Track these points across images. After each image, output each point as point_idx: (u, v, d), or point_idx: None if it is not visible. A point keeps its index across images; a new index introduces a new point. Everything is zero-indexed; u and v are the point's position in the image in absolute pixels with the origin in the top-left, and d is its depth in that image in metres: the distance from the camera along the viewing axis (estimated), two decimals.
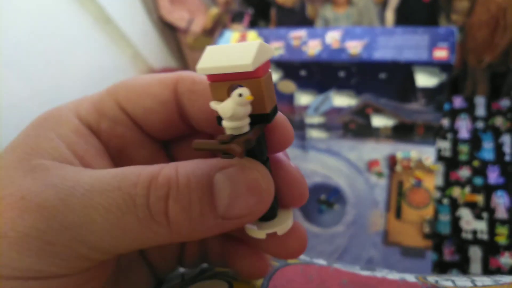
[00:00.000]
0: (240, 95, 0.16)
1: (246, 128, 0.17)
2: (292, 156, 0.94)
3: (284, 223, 0.20)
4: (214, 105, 0.17)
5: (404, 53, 0.73)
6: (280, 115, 0.20)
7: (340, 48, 0.77)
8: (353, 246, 0.85)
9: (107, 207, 0.16)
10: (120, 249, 0.18)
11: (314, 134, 0.97)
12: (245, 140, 0.17)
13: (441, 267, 0.81)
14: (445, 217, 0.86)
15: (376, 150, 0.92)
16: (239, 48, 0.17)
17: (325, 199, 0.90)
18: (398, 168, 0.89)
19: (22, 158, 0.18)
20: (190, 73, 0.22)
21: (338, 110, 0.89)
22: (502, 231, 0.82)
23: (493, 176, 0.87)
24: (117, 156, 0.22)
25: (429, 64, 0.72)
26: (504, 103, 0.94)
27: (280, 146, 0.20)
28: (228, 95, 0.17)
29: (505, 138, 0.90)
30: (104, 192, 0.17)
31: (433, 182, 0.87)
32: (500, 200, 0.84)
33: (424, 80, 0.74)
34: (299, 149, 0.95)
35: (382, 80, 0.77)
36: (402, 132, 0.90)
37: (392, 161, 0.90)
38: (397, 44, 0.74)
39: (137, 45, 1.06)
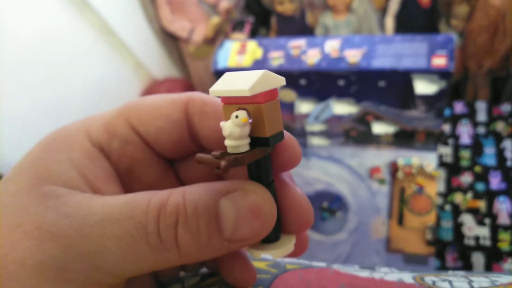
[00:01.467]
0: (236, 116, 0.18)
1: (245, 148, 0.18)
2: None
3: (283, 247, 0.21)
4: (221, 124, 0.18)
5: (403, 61, 0.73)
6: (288, 136, 0.20)
7: (339, 57, 0.78)
8: (356, 254, 0.86)
9: (120, 236, 0.17)
10: (132, 273, 0.18)
11: (315, 141, 0.98)
12: (234, 159, 0.17)
13: None
14: (447, 224, 0.86)
15: (378, 157, 0.92)
16: (246, 75, 0.18)
17: (327, 206, 0.90)
18: (400, 174, 0.89)
19: (33, 184, 0.18)
20: (200, 95, 0.22)
21: (339, 118, 0.89)
22: (505, 237, 0.82)
23: (495, 181, 0.87)
24: (126, 176, 0.22)
25: (428, 72, 0.72)
26: (505, 107, 0.94)
27: (287, 166, 0.21)
28: None
29: (507, 143, 0.90)
30: (116, 221, 0.17)
31: (435, 188, 0.87)
32: (502, 205, 0.84)
33: (423, 87, 0.74)
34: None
35: (381, 88, 0.78)
36: (403, 138, 0.90)
37: (393, 168, 0.90)
38: (396, 52, 0.75)
39: (139, 55, 1.07)
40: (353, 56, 0.77)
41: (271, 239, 0.21)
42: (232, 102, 0.19)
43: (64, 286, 0.17)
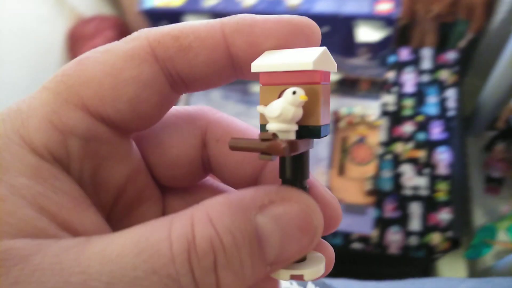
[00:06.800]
0: (294, 93, 0.15)
1: (293, 136, 0.16)
2: (235, 113, 0.90)
3: (315, 267, 0.17)
4: (261, 108, 0.16)
5: (346, 5, 0.68)
6: (328, 193, 0.18)
7: None
8: None
9: None
10: None
11: (258, 89, 0.92)
12: (291, 141, 0.14)
13: (382, 224, 0.81)
14: (387, 174, 0.85)
15: None
16: (298, 52, 0.16)
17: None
18: (342, 124, 0.86)
19: None
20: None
21: None
22: (442, 187, 0.82)
23: (436, 131, 0.86)
24: (90, 183, 0.17)
25: (372, 18, 0.67)
26: (451, 55, 0.92)
27: (325, 228, 0.17)
28: None
29: (450, 93, 0.88)
30: (136, 281, 0.13)
31: (376, 138, 0.85)
32: (442, 156, 0.84)
33: (367, 34, 0.70)
34: (243, 105, 0.91)
35: (323, 34, 0.72)
36: (346, 87, 0.87)
37: (335, 117, 0.87)
38: None
39: None
40: None
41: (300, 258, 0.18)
42: (276, 83, 0.16)
43: None
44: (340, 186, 0.84)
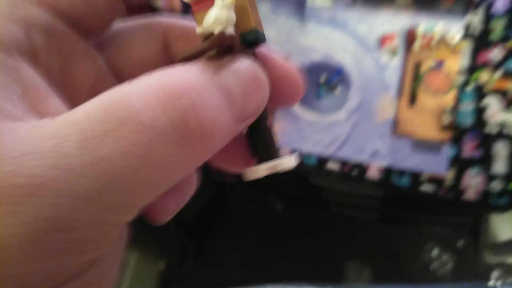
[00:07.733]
0: None
1: None
2: (288, 29, 0.77)
3: (286, 157, 0.19)
4: (199, 29, 0.17)
5: None
6: (289, 63, 0.19)
7: None
8: (356, 136, 0.73)
9: (123, 150, 0.13)
10: (152, 196, 0.14)
11: (316, 0, 0.79)
12: (228, 35, 0.17)
13: (459, 164, 0.68)
14: (468, 106, 0.72)
15: (392, 22, 0.75)
16: None
17: (325, 80, 0.76)
18: (417, 45, 0.73)
19: None
20: None
21: None
22: None
23: None
24: (61, 82, 0.17)
25: None
26: None
27: (283, 100, 0.20)
28: None
29: None
30: (108, 133, 0.13)
31: (457, 64, 0.72)
32: None
33: None
34: (297, 20, 0.78)
35: None
36: (425, 1, 0.73)
37: (410, 37, 0.73)
38: None
39: None
40: None
41: (271, 154, 0.19)
42: (206, 7, 0.17)
43: (69, 248, 0.12)
44: (411, 118, 0.71)
